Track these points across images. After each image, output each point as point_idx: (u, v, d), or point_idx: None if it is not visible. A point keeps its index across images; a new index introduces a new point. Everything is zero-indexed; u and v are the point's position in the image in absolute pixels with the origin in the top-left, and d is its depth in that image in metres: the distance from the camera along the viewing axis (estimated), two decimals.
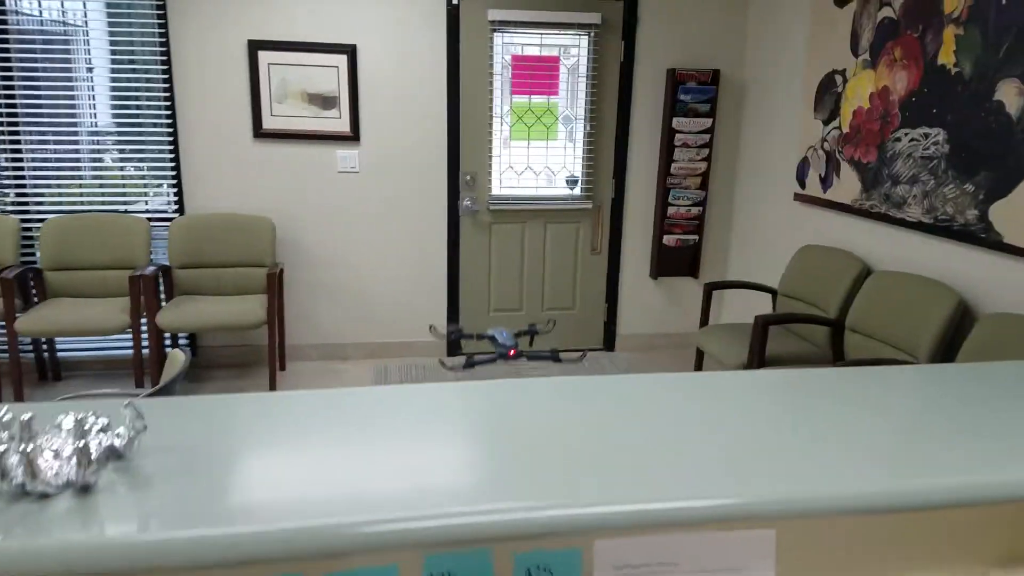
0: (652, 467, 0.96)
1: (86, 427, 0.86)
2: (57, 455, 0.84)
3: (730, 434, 1.08)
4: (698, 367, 3.43)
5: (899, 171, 2.79)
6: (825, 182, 3.28)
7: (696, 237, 4.20)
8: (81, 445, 0.84)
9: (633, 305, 4.32)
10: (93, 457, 0.85)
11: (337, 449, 0.98)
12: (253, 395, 1.19)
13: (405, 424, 1.07)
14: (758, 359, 2.83)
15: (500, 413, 1.12)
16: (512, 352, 2.97)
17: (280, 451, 0.96)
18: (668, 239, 4.17)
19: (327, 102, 3.79)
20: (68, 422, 0.87)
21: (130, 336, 3.45)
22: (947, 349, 2.42)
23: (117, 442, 0.89)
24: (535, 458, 0.97)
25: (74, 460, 0.84)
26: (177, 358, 1.94)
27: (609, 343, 4.33)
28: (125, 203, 3.82)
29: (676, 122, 4.03)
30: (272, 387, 3.59)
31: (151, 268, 3.53)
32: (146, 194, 3.85)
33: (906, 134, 2.76)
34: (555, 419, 1.11)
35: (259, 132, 3.80)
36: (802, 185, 3.47)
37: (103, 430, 0.90)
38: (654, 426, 1.10)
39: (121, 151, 3.78)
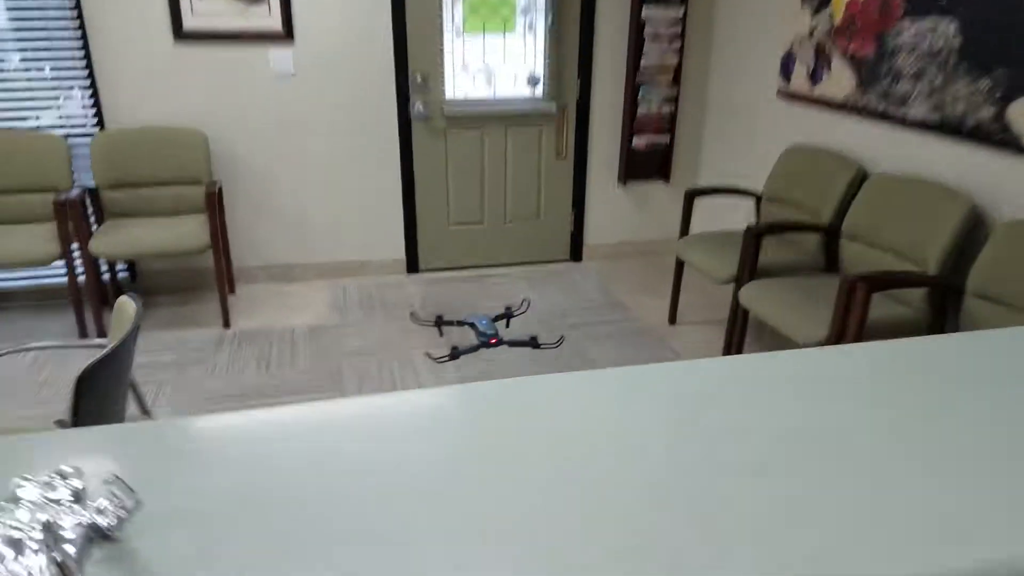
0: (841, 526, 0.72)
1: (56, 522, 0.58)
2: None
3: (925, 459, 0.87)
4: (678, 279, 3.30)
5: (901, 66, 2.60)
6: (814, 77, 3.07)
7: (667, 138, 3.97)
8: (58, 558, 0.56)
9: (601, 213, 4.11)
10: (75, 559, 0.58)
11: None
12: (278, 422, 0.92)
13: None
14: (749, 271, 2.70)
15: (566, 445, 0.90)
16: (493, 340, 2.97)
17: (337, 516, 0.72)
18: (638, 141, 3.92)
19: None
20: (24, 515, 0.59)
21: (63, 265, 3.04)
22: (958, 259, 2.33)
23: (101, 520, 0.63)
24: (655, 519, 0.72)
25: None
26: (127, 310, 1.62)
27: (576, 254, 4.14)
28: (36, 116, 3.27)
29: (646, 11, 3.68)
30: (225, 315, 3.26)
31: (76, 191, 3.07)
32: (56, 99, 3.28)
33: (910, 25, 2.54)
34: (662, 457, 0.83)
35: (180, 33, 3.24)
36: (787, 80, 3.25)
37: (76, 499, 0.63)
38: (808, 464, 0.80)
39: (23, 57, 3.18)
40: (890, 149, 2.71)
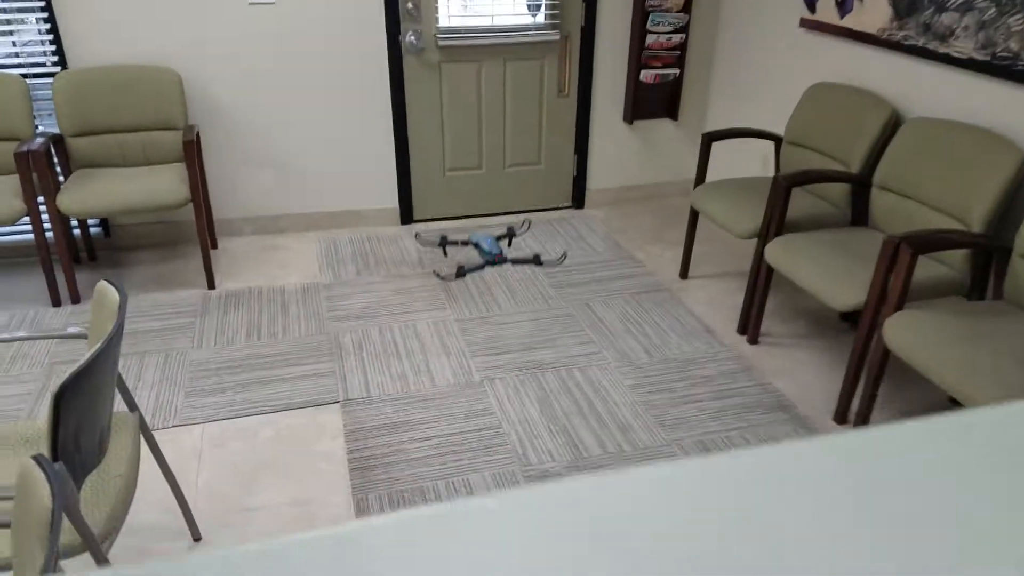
0: None
1: None
2: None
3: None
4: (691, 230, 3.11)
5: None
6: (843, 5, 2.80)
7: (677, 71, 3.69)
8: None
9: (605, 155, 3.86)
10: None
11: None
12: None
13: None
14: (778, 226, 2.52)
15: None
16: (497, 257, 2.91)
17: None
18: (646, 74, 3.65)
19: None
20: None
21: (28, 222, 2.78)
22: (1007, 216, 2.17)
23: None
24: None
25: None
26: (108, 299, 1.41)
27: (579, 200, 3.92)
28: None
29: None
30: (208, 274, 3.04)
31: (40, 140, 2.78)
32: (8, 34, 2.93)
33: None
34: None
35: None
36: (811, 8, 2.98)
37: None
38: None
39: None
40: (930, 90, 2.49)
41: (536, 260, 2.86)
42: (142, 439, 1.67)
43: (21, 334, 1.76)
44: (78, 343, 2.65)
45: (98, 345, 1.25)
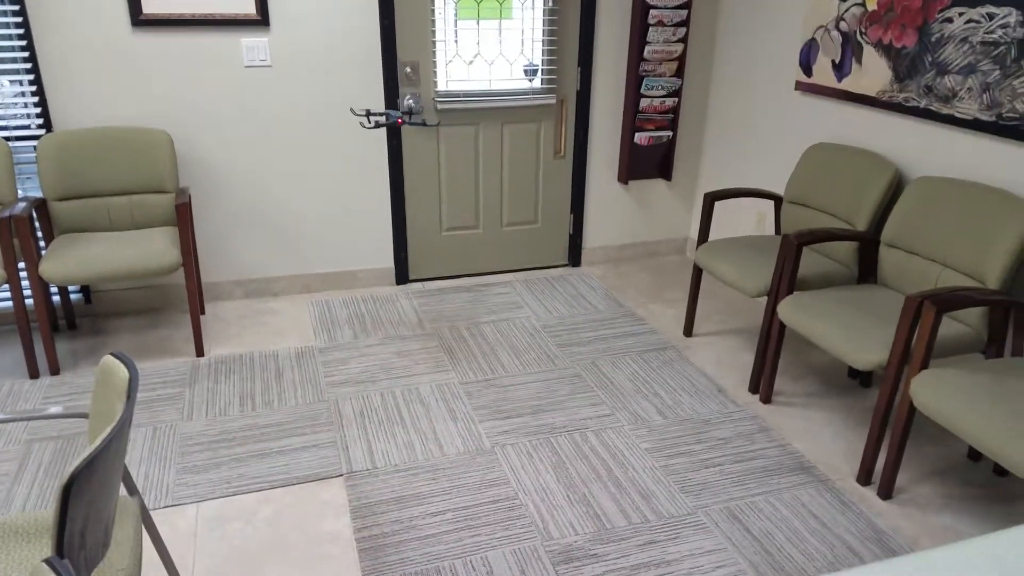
0: None
1: None
2: None
3: None
4: (695, 288, 3.08)
5: (948, 58, 2.42)
6: (840, 69, 2.87)
7: (670, 133, 3.74)
8: None
9: (600, 214, 3.86)
10: None
11: None
12: None
13: None
14: (789, 285, 2.50)
15: None
16: (400, 121, 2.85)
17: None
18: (640, 137, 3.68)
19: None
20: None
21: (6, 289, 2.63)
22: (1021, 272, 2.17)
23: None
24: None
25: None
26: (116, 377, 1.29)
27: (575, 258, 3.89)
28: None
29: None
30: (197, 342, 2.90)
31: (22, 204, 2.66)
32: None
33: (961, 14, 2.36)
34: None
35: (139, 19, 2.84)
36: (807, 72, 3.05)
37: None
38: None
39: None
40: (933, 150, 2.53)
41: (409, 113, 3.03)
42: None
43: (6, 415, 1.62)
44: (59, 419, 2.47)
45: (111, 427, 1.13)
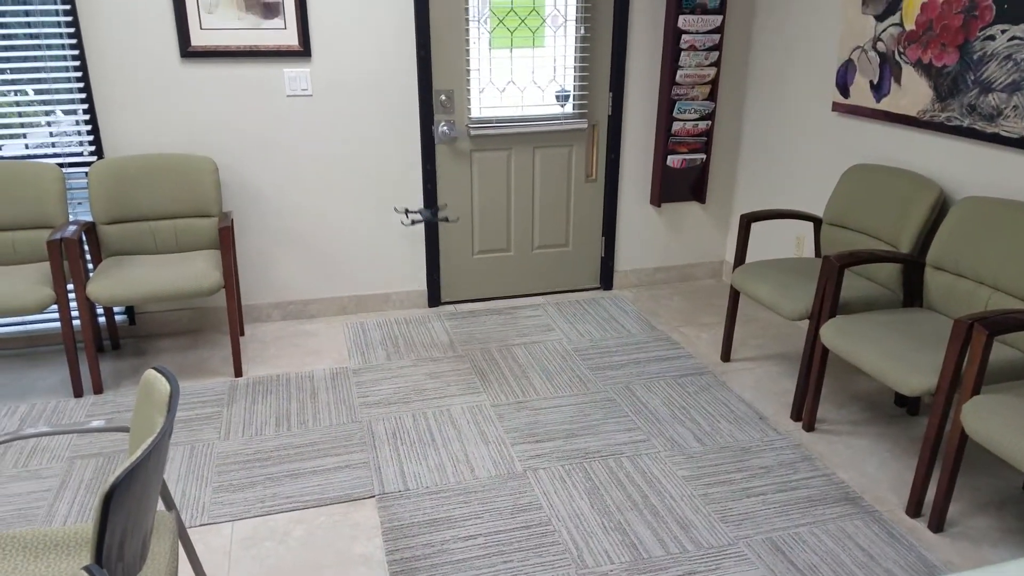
0: None
1: None
2: None
3: None
4: (732, 311, 3.03)
5: (992, 76, 2.36)
6: (879, 89, 2.83)
7: (703, 156, 3.72)
8: None
9: (633, 237, 3.84)
10: None
11: None
12: None
13: None
14: (831, 308, 2.44)
15: None
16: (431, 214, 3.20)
17: None
18: (673, 160, 3.67)
19: (268, 9, 2.96)
20: None
21: (54, 309, 2.71)
22: None
23: None
24: None
25: None
26: (157, 391, 1.31)
27: (607, 281, 3.87)
28: (24, 144, 2.95)
29: (682, 20, 3.43)
30: (236, 363, 2.94)
31: (72, 227, 2.75)
32: (46, 124, 2.97)
33: (1004, 31, 2.31)
34: None
35: (187, 51, 2.95)
36: (844, 93, 3.01)
37: None
38: None
39: (6, 79, 2.86)
40: (978, 169, 2.47)
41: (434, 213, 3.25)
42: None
43: (45, 428, 1.66)
44: (100, 437, 2.53)
45: (151, 439, 1.14)
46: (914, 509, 2.14)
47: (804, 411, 2.59)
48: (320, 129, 3.24)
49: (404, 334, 3.35)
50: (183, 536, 1.55)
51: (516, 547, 2.03)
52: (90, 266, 3.01)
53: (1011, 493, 2.25)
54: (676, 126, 3.62)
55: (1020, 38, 2.26)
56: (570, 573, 1.93)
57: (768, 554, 2.00)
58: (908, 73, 2.68)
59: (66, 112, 2.99)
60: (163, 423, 1.21)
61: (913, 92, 2.67)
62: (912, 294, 2.58)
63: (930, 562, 1.96)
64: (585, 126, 3.57)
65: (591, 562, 1.97)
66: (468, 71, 3.34)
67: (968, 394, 1.96)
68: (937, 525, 2.08)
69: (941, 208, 2.58)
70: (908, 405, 2.69)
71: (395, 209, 3.29)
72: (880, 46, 2.80)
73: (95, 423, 1.65)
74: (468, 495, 2.24)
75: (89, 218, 2.98)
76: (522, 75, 3.44)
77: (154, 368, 1.36)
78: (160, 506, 1.57)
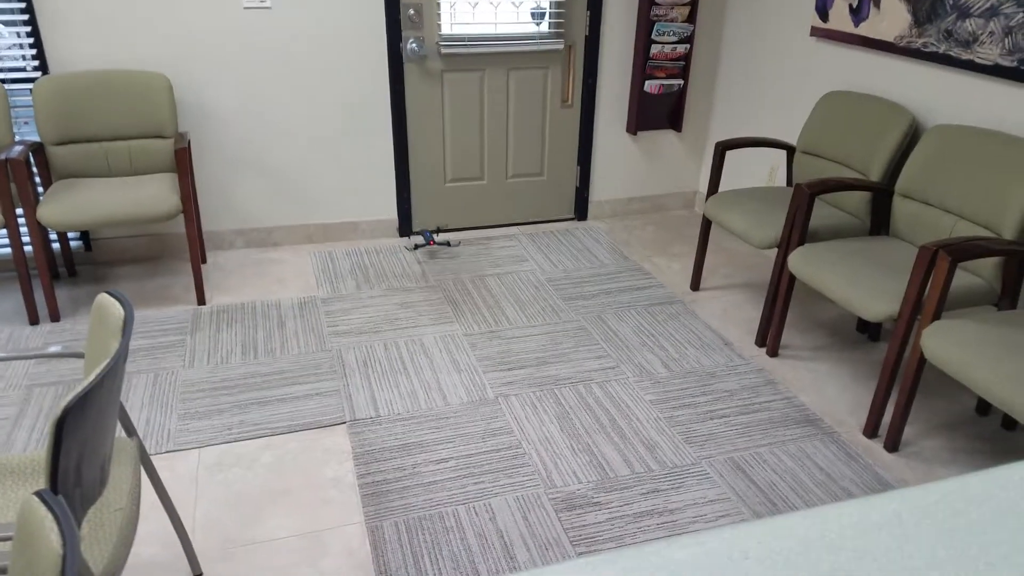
0: None
1: None
2: None
3: None
4: (703, 241, 3.03)
5: (971, 1, 2.31)
6: (858, 13, 2.76)
7: (681, 82, 3.63)
8: None
9: (608, 166, 3.78)
10: None
11: None
12: None
13: None
14: (800, 236, 2.44)
15: None
16: (432, 243, 3.42)
17: None
18: (650, 85, 3.58)
19: None
20: None
21: (4, 235, 2.60)
22: None
23: None
24: None
25: None
26: (110, 315, 1.26)
27: (581, 212, 3.83)
28: None
29: None
30: (199, 290, 2.88)
31: (18, 148, 2.60)
32: None
33: None
34: None
35: None
36: (823, 17, 2.94)
37: None
38: None
39: None
40: (952, 97, 2.45)
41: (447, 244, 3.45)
42: (141, 468, 1.51)
43: (2, 354, 1.60)
44: (59, 364, 2.47)
45: (105, 363, 1.10)
46: (871, 430, 2.22)
47: (769, 337, 2.63)
48: (280, 45, 3.07)
49: (374, 264, 3.30)
50: (147, 463, 1.53)
51: (486, 469, 2.06)
52: (40, 190, 2.88)
53: (964, 415, 2.33)
54: (655, 49, 3.51)
55: None
56: (539, 492, 1.97)
57: (729, 473, 2.06)
58: None
59: (6, 24, 2.78)
60: (117, 347, 1.17)
61: (892, 16, 2.61)
62: (879, 223, 2.59)
63: (884, 480, 2.04)
64: (561, 47, 3.45)
65: (559, 482, 2.02)
66: None
67: (929, 319, 1.99)
68: (892, 445, 2.15)
69: (913, 136, 2.56)
70: (869, 331, 2.75)
71: (405, 248, 3.45)
72: None
73: (51, 349, 1.61)
74: (439, 421, 2.26)
75: (36, 138, 2.82)
76: None
77: (107, 292, 1.31)
78: (121, 433, 1.54)
